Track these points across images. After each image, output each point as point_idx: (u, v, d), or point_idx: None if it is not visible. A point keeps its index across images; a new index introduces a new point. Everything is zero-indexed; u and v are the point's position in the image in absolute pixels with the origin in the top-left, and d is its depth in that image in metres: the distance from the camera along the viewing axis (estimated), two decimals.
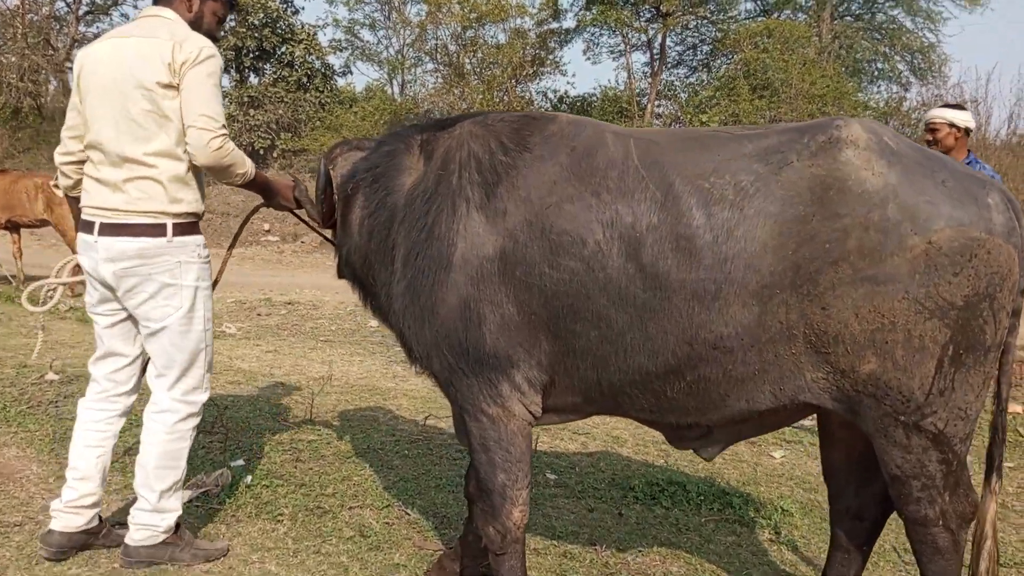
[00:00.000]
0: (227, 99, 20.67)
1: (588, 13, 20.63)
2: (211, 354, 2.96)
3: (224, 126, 2.72)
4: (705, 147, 2.43)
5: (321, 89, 22.07)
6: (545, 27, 21.80)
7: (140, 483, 2.88)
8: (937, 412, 2.21)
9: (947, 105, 4.64)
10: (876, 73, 22.29)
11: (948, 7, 20.88)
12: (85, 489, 2.94)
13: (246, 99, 20.59)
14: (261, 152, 20.49)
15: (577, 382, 2.52)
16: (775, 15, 21.71)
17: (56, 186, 3.21)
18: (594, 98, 21.72)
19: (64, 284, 3.12)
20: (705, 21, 21.70)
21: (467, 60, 21.71)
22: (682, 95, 21.55)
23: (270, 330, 7.96)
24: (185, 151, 2.74)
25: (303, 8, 25.14)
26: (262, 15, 20.62)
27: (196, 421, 2.95)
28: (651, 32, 21.03)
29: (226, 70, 21.19)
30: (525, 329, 2.46)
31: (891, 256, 2.14)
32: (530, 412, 2.58)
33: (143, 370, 3.02)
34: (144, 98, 2.70)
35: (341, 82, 23.66)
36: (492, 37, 21.84)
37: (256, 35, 20.67)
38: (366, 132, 20.17)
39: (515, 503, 2.64)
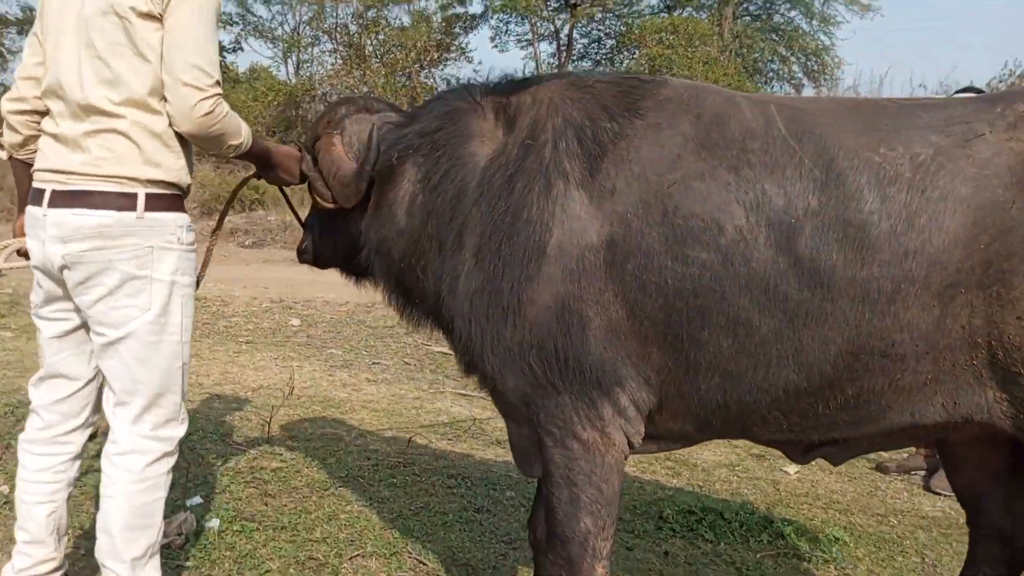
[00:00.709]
0: None
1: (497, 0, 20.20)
2: (187, 373, 2.26)
3: (218, 83, 2.07)
4: (866, 116, 2.04)
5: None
6: (450, 11, 21.18)
7: (105, 553, 2.17)
8: None
9: (965, 89, 4.55)
10: (771, 74, 22.84)
11: (841, 11, 21.47)
12: (40, 555, 2.25)
13: None
14: None
15: (695, 404, 2.07)
16: (678, 12, 21.87)
17: None
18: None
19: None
20: (611, 15, 21.62)
21: (368, 42, 20.83)
22: None
23: None
24: (164, 104, 2.07)
25: None
26: None
27: (172, 462, 2.25)
28: (558, 22, 20.78)
29: None
30: (635, 337, 2.02)
31: None
32: (630, 442, 2.13)
33: (100, 397, 2.29)
34: (114, 28, 2.02)
35: (230, 59, 22.27)
36: (396, 19, 21.08)
37: None
38: (258, 114, 19.08)
39: (599, 556, 2.15)
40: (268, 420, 4.02)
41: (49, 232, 2.06)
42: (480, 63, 34.45)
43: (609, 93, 2.19)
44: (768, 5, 22.51)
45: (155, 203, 2.09)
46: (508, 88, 2.35)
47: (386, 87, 19.50)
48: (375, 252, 2.41)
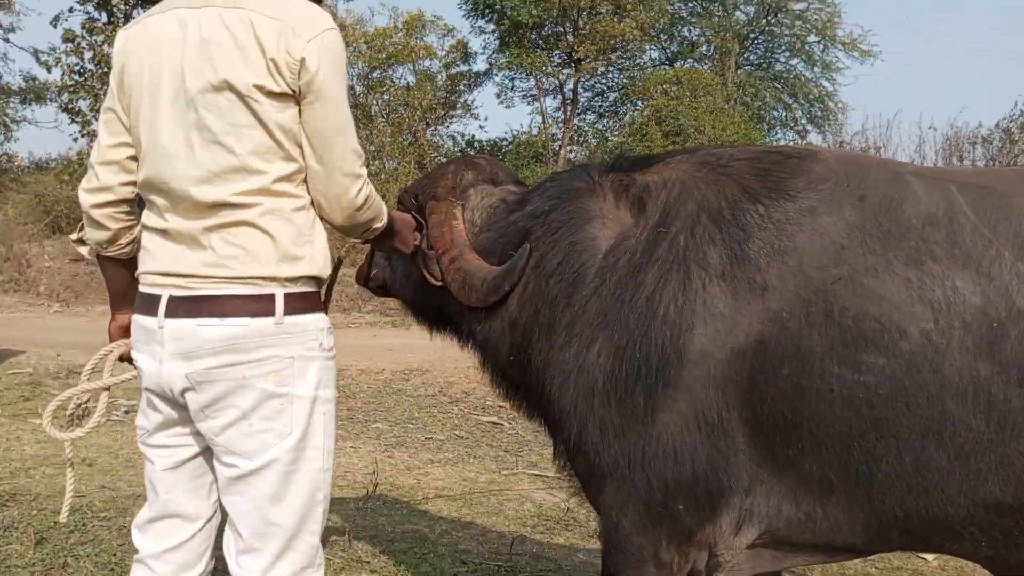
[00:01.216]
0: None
1: (502, 56, 20.34)
2: (327, 508, 1.93)
3: (364, 163, 1.86)
4: None
5: None
6: (454, 70, 21.32)
7: None
8: None
9: None
10: (774, 121, 22.98)
11: (841, 57, 21.70)
12: None
13: None
14: None
15: (866, 518, 1.87)
16: (680, 63, 22.08)
17: (79, 243, 2.06)
18: (505, 143, 21.35)
19: (105, 389, 2.06)
20: (614, 68, 21.78)
21: (375, 102, 20.92)
22: (592, 141, 21.49)
23: None
24: (302, 187, 1.82)
25: None
26: None
27: None
28: (563, 77, 20.92)
29: None
30: (784, 450, 1.84)
31: None
32: (719, 561, 2.02)
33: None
34: (234, 107, 1.74)
35: None
36: (400, 79, 21.20)
37: None
38: None
39: None
40: (347, 531, 3.69)
41: (168, 347, 1.77)
42: (487, 119, 35.08)
43: (749, 172, 2.01)
44: (769, 54, 22.75)
45: (295, 304, 1.79)
46: (628, 166, 2.21)
47: (393, 145, 19.56)
48: (478, 344, 2.28)
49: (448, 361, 8.26)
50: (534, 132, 21.23)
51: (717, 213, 1.94)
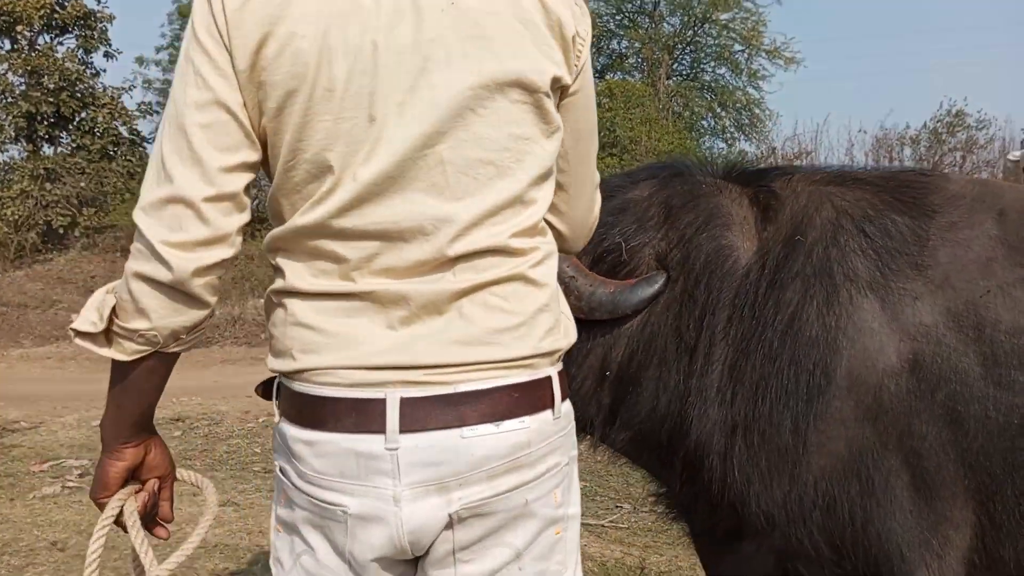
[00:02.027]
0: (17, 173, 17.74)
1: None
2: None
3: None
4: None
5: (130, 158, 19.61)
6: None
7: None
8: None
9: None
10: (704, 129, 23.21)
11: (766, 65, 22.05)
12: None
13: (41, 172, 17.70)
14: (61, 231, 17.64)
15: None
16: (609, 76, 22.04)
17: (95, 337, 1.19)
18: None
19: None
20: None
21: None
22: None
23: (177, 463, 6.01)
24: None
25: (104, 70, 22.19)
26: (58, 77, 17.94)
27: None
28: None
29: (16, 139, 18.22)
30: (948, 491, 1.63)
31: None
32: None
33: None
34: (520, 111, 1.17)
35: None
36: None
37: (52, 99, 17.91)
38: None
39: None
40: None
41: (411, 477, 1.13)
42: None
43: (885, 187, 1.85)
44: (696, 64, 22.97)
45: (564, 386, 1.26)
46: (741, 176, 1.95)
47: None
48: (581, 364, 1.89)
49: None
50: None
51: (862, 220, 1.77)
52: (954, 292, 1.69)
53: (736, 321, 1.76)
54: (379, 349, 1.14)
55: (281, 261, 1.19)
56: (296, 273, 1.18)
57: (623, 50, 23.07)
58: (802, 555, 1.69)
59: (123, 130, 19.97)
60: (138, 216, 1.13)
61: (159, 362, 1.21)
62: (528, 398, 1.18)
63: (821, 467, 1.65)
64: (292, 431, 1.18)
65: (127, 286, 1.14)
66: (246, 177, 1.15)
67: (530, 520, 1.19)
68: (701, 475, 1.78)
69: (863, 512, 1.63)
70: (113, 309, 1.16)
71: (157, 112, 21.21)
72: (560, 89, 1.23)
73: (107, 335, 1.17)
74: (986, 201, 1.82)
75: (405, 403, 1.13)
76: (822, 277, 1.72)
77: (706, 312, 1.78)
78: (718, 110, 22.56)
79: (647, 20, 22.47)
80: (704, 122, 22.64)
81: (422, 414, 1.13)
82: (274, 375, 1.26)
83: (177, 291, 1.13)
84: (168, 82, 21.23)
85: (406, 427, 1.13)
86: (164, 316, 1.15)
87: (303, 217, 1.15)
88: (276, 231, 1.19)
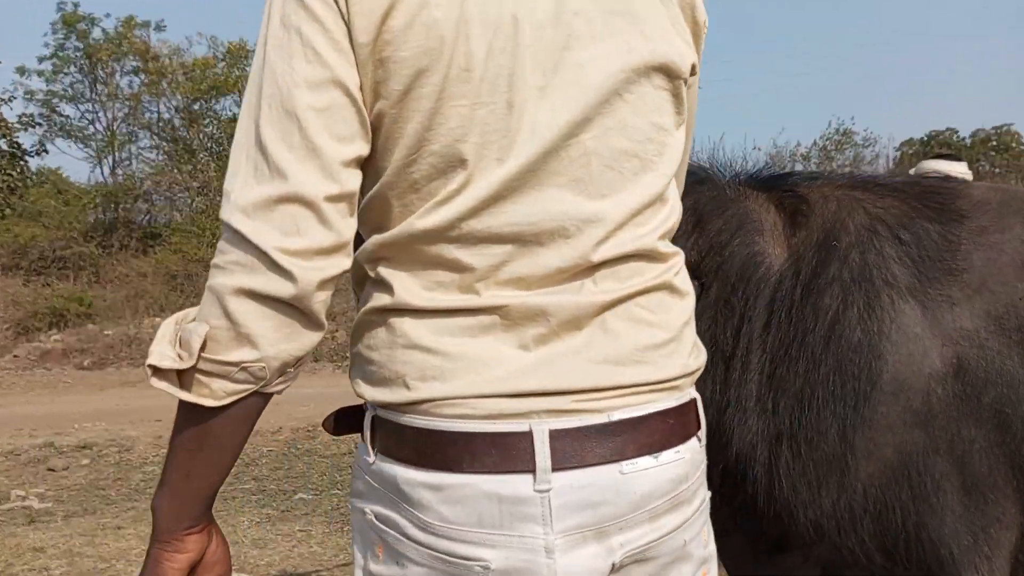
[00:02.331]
0: None
1: None
2: None
3: None
4: None
5: (9, 172, 18.41)
6: None
7: None
8: None
9: (940, 156, 4.36)
10: None
11: None
12: None
13: None
14: None
15: None
16: None
17: (156, 372, 0.93)
18: None
19: None
20: None
21: (196, 135, 19.42)
22: None
23: (89, 494, 5.62)
24: None
25: None
26: None
27: None
28: None
29: None
30: (996, 495, 1.63)
31: None
32: None
33: None
34: (661, 99, 1.04)
35: (35, 163, 19.96)
36: (225, 110, 19.83)
37: None
38: (72, 220, 17.14)
39: None
40: None
41: (566, 523, 0.94)
42: None
43: (912, 193, 1.84)
44: None
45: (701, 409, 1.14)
46: (763, 178, 1.93)
47: (220, 179, 18.27)
48: None
49: None
50: None
51: (896, 226, 1.75)
52: (992, 296, 1.68)
53: (773, 328, 1.71)
54: (515, 372, 0.95)
55: (385, 273, 0.98)
56: (405, 287, 0.97)
57: None
58: (852, 564, 1.65)
59: (2, 143, 18.76)
60: (236, 219, 0.89)
61: (254, 408, 0.96)
62: (680, 424, 1.03)
63: (870, 473, 1.62)
64: (408, 474, 0.96)
65: (223, 307, 0.90)
66: (359, 175, 0.96)
67: (686, 563, 1.05)
68: (744, 487, 1.72)
69: (916, 517, 1.59)
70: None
71: (40, 124, 20.00)
72: (694, 72, 1.10)
73: (186, 377, 0.92)
74: (1012, 206, 1.82)
75: (555, 435, 0.94)
76: (861, 282, 1.68)
77: (743, 320, 1.73)
78: None
79: None
80: None
81: (576, 448, 0.95)
82: (352, 406, 1.08)
83: (295, 309, 0.91)
84: (53, 94, 20.07)
85: (559, 464, 0.94)
86: (275, 342, 0.91)
87: (423, 220, 0.95)
88: (381, 237, 0.98)
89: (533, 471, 0.93)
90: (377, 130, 0.96)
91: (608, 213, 0.99)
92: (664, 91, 1.03)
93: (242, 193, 0.90)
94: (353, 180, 0.94)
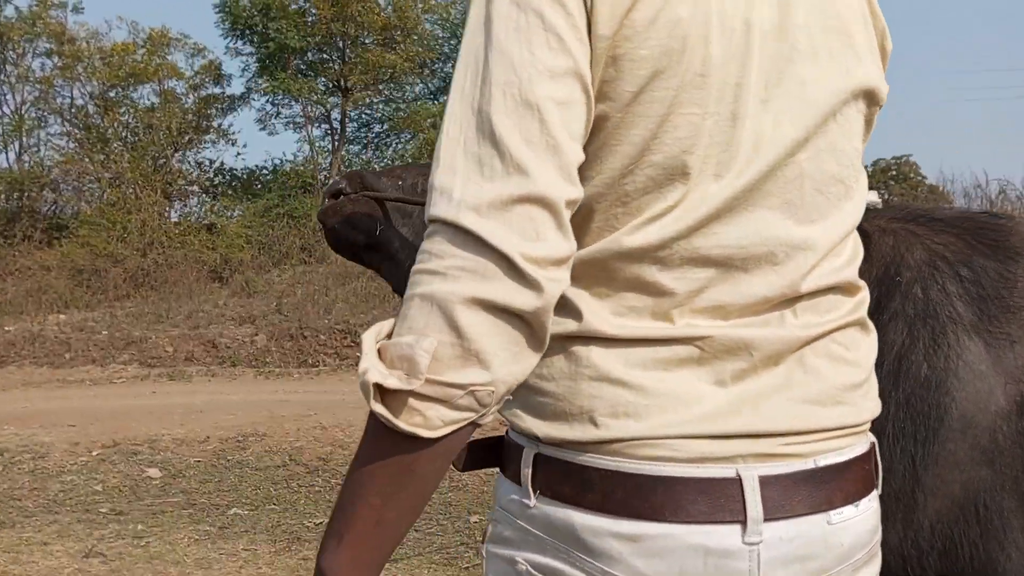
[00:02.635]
0: None
1: (262, 81, 19.07)
2: None
3: None
4: None
5: None
6: (205, 92, 19.59)
7: None
8: None
9: None
10: None
11: None
12: None
13: None
14: None
15: None
16: (444, 98, 22.05)
17: (386, 393, 0.78)
18: (265, 171, 19.95)
19: None
20: (382, 99, 21.26)
21: (111, 124, 18.58)
22: None
23: (4, 505, 5.21)
24: None
25: None
26: None
27: None
28: (329, 105, 20.02)
29: None
30: None
31: None
32: None
33: None
34: (859, 124, 0.97)
35: None
36: (142, 99, 19.06)
37: None
38: None
39: None
40: None
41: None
42: (245, 146, 32.27)
43: (966, 228, 1.83)
44: None
45: None
46: None
47: (134, 171, 17.52)
48: None
49: (286, 421, 7.17)
50: (299, 161, 20.02)
51: (956, 262, 1.74)
52: None
53: None
54: (717, 411, 0.86)
55: (571, 294, 0.86)
56: (593, 311, 0.87)
57: None
58: None
59: None
60: (468, 218, 0.77)
61: (459, 444, 0.81)
62: (872, 471, 0.97)
63: (937, 510, 1.61)
64: (592, 521, 0.85)
65: (449, 319, 0.76)
66: (569, 147, 0.82)
67: None
68: None
69: (984, 554, 1.58)
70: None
71: None
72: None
73: (393, 402, 0.78)
74: None
75: (764, 482, 0.86)
76: (926, 318, 1.68)
77: None
78: None
79: None
80: None
81: (786, 496, 0.87)
82: (487, 439, 0.97)
83: (527, 326, 0.79)
84: None
85: (770, 514, 0.85)
86: (505, 362, 0.78)
87: (632, 237, 0.86)
88: (577, 253, 0.85)
89: (743, 521, 0.84)
90: (594, 134, 0.85)
91: (817, 240, 0.91)
92: (862, 116, 0.97)
93: (468, 189, 0.78)
94: (576, 187, 0.82)
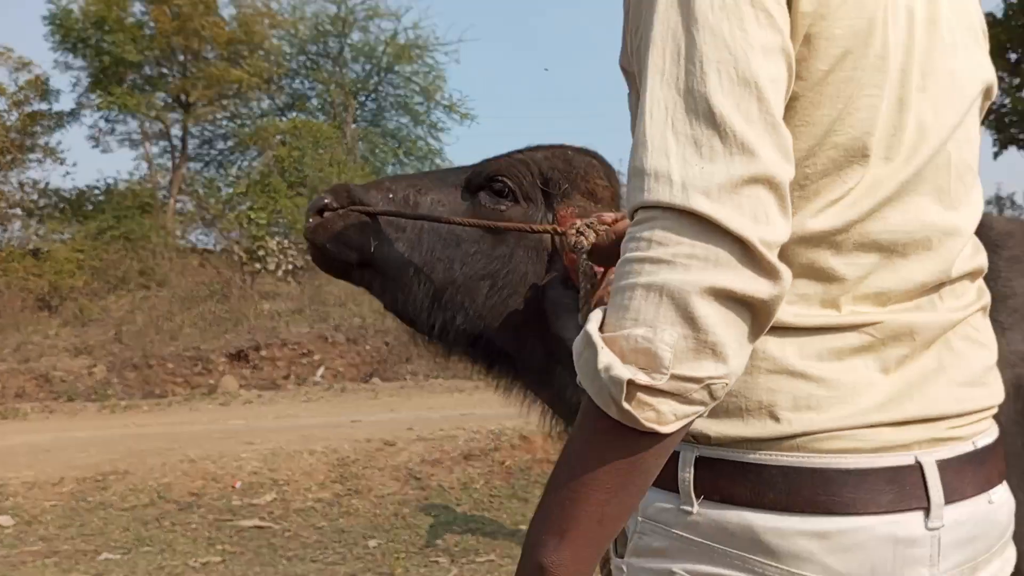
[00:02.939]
0: None
1: (95, 96, 17.86)
2: None
3: None
4: None
5: None
6: (29, 108, 18.12)
7: None
8: None
9: None
10: (389, 175, 23.53)
11: (443, 118, 23.02)
12: None
13: None
14: None
15: None
16: (293, 115, 21.50)
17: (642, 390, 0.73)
18: (97, 192, 18.65)
19: None
20: (226, 115, 20.43)
21: None
22: (201, 191, 19.80)
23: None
24: None
25: None
26: None
27: None
28: (170, 121, 19.01)
29: None
30: None
31: None
32: None
33: None
34: (978, 114, 1.02)
35: None
36: None
37: None
38: None
39: None
40: None
41: (948, 562, 0.87)
42: (75, 165, 29.86)
43: None
44: (379, 111, 23.26)
45: None
46: None
47: None
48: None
49: (148, 456, 6.69)
50: (136, 180, 18.87)
51: None
52: None
53: None
54: (889, 398, 0.85)
55: None
56: (800, 303, 0.85)
57: (306, 91, 22.65)
58: None
59: None
60: (698, 202, 0.72)
61: (679, 438, 0.78)
62: (1003, 451, 0.99)
63: None
64: (776, 522, 0.82)
65: (685, 310, 0.72)
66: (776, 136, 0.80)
67: None
68: None
69: None
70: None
71: None
72: None
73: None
74: None
75: (941, 467, 0.86)
76: None
77: None
78: (402, 157, 23.02)
79: (331, 64, 22.32)
80: (390, 168, 22.95)
81: (959, 479, 0.87)
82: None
83: (755, 316, 0.75)
84: None
85: (949, 497, 0.86)
86: (738, 354, 0.74)
87: (816, 219, 0.84)
88: None
89: (926, 508, 0.84)
90: (785, 113, 0.82)
91: (961, 226, 0.93)
92: (979, 110, 1.00)
93: (690, 172, 0.74)
94: (790, 167, 0.78)
